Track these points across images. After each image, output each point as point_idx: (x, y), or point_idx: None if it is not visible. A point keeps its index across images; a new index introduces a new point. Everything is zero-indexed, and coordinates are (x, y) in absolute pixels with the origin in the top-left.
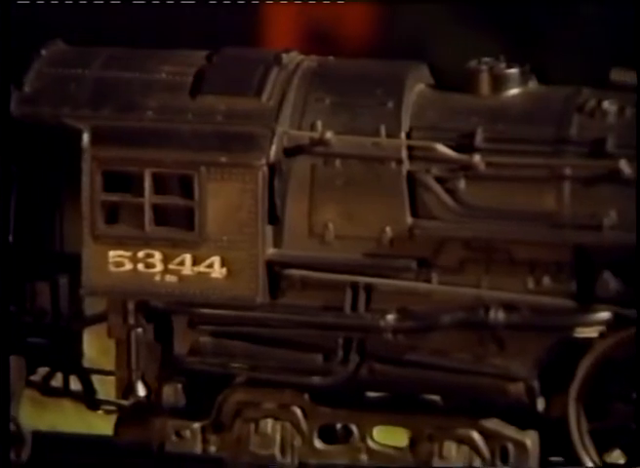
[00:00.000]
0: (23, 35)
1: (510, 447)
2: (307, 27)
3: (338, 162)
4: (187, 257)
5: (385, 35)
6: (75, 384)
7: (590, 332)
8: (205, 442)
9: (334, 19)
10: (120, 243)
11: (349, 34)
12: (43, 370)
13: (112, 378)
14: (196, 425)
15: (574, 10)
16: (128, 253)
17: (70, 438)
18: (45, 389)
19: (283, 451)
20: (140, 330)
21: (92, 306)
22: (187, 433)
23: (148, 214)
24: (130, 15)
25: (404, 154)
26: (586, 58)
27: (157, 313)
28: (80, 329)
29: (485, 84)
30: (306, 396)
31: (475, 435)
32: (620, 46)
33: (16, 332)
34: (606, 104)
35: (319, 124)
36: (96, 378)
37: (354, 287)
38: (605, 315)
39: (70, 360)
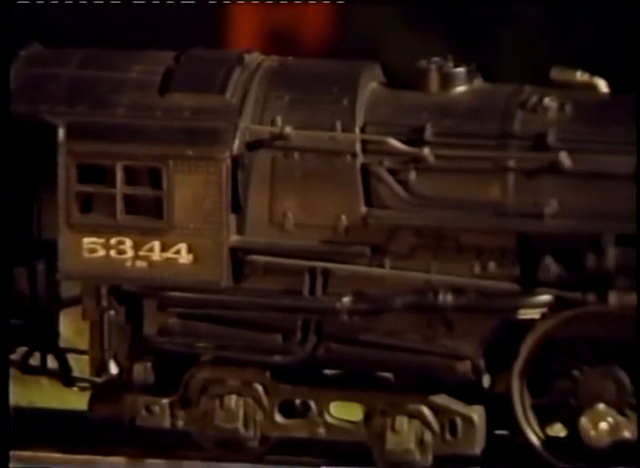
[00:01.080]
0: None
1: (458, 421)
2: (267, 28)
3: (296, 155)
4: (156, 244)
5: (341, 36)
6: (52, 363)
7: (533, 314)
8: (173, 416)
9: (292, 21)
10: (93, 231)
11: (307, 36)
12: (22, 350)
13: (86, 357)
14: (165, 401)
15: (517, 12)
16: (101, 241)
17: (48, 413)
18: (24, 367)
19: (246, 425)
20: (112, 312)
21: (67, 290)
22: (157, 408)
23: (120, 204)
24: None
25: (358, 148)
26: (529, 58)
27: (128, 296)
28: (56, 311)
29: (434, 82)
30: (268, 374)
31: (425, 410)
32: (559, 45)
33: None
34: (547, 101)
35: (279, 119)
36: (71, 357)
37: (312, 272)
38: (546, 297)
39: (47, 340)
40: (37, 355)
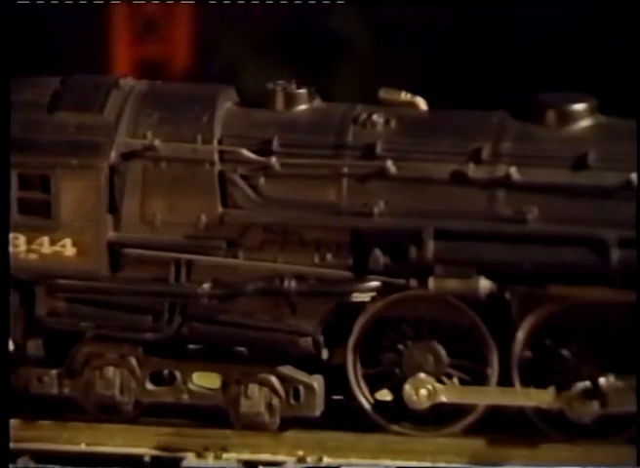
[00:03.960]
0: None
1: (301, 388)
2: (139, 57)
3: (164, 164)
4: (46, 239)
5: (203, 64)
6: None
7: (364, 297)
8: (60, 385)
9: (161, 51)
10: None
11: (175, 63)
12: None
13: None
14: (54, 372)
15: (351, 44)
16: None
17: None
18: None
19: (122, 392)
20: None
21: None
22: (47, 378)
23: (14, 206)
24: None
25: (216, 157)
26: (360, 82)
27: (22, 284)
28: None
29: (280, 101)
30: (140, 349)
31: (273, 379)
32: (387, 71)
33: None
34: (375, 117)
35: (149, 134)
36: None
37: (177, 262)
38: (375, 283)
39: None
40: None
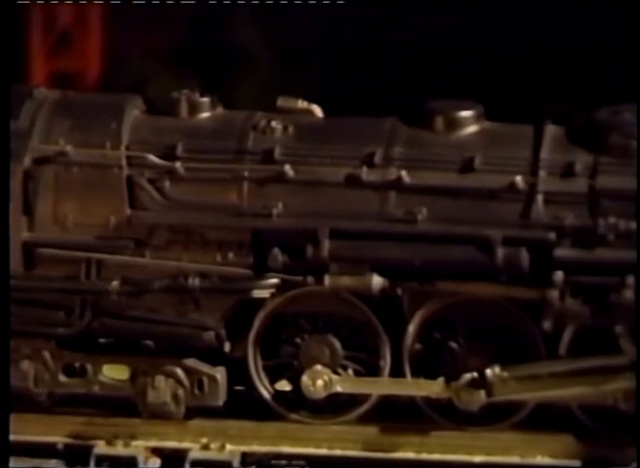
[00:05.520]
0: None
1: (205, 379)
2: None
3: (75, 168)
4: None
5: (113, 76)
6: None
7: (264, 294)
8: None
9: (74, 66)
10: None
11: (87, 75)
12: None
13: None
14: None
15: (251, 55)
16: None
17: None
18: None
19: (36, 384)
20: None
21: None
22: None
23: None
24: None
25: (124, 162)
26: (259, 91)
27: None
28: None
29: (184, 109)
30: (53, 343)
31: (179, 370)
32: (285, 81)
33: None
34: (274, 124)
35: (61, 140)
36: None
37: (88, 261)
38: (274, 280)
39: None
40: None
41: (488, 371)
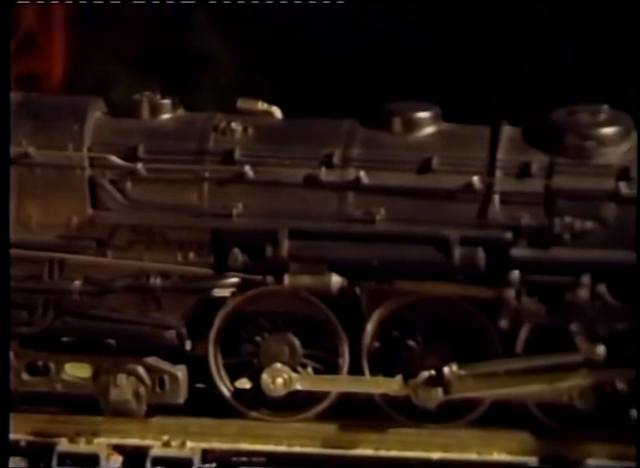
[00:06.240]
0: None
1: (166, 377)
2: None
3: (38, 170)
4: None
5: (76, 78)
6: None
7: (224, 293)
8: None
9: (38, 68)
10: None
11: (51, 78)
12: None
13: None
14: None
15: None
16: None
17: None
18: None
19: None
20: None
21: None
22: None
23: None
24: None
25: (86, 163)
26: (219, 93)
27: None
28: None
29: (145, 111)
30: (16, 341)
31: (140, 369)
32: (244, 85)
33: None
34: (234, 125)
35: (24, 142)
36: None
37: (51, 261)
38: (235, 280)
39: None
40: None
41: (445, 369)
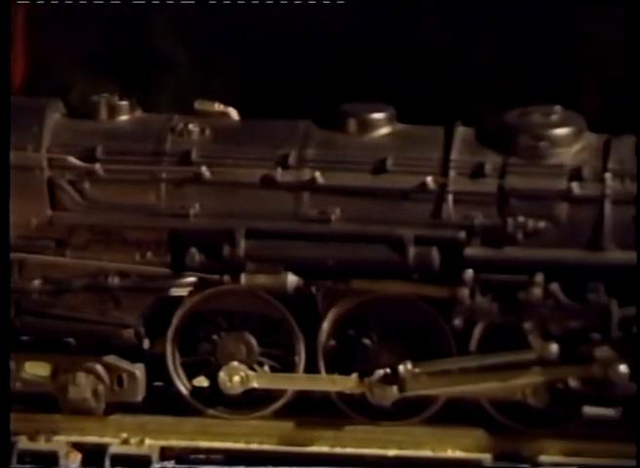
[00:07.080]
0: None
1: (124, 375)
2: None
3: None
4: None
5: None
6: None
7: (181, 292)
8: None
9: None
10: None
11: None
12: None
13: None
14: None
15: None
16: None
17: None
18: None
19: None
20: None
21: None
22: None
23: None
24: None
25: (45, 164)
26: (177, 95)
27: None
28: None
29: (103, 112)
30: None
31: (99, 367)
32: (201, 86)
33: None
34: (191, 126)
35: None
36: None
37: (10, 261)
38: (192, 279)
39: None
40: None
41: (400, 367)
